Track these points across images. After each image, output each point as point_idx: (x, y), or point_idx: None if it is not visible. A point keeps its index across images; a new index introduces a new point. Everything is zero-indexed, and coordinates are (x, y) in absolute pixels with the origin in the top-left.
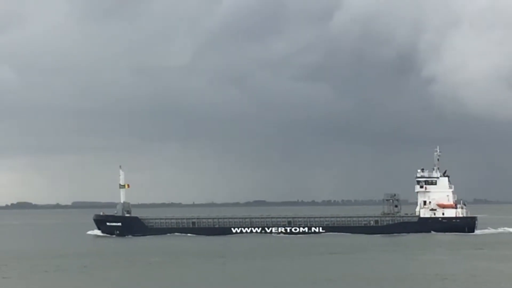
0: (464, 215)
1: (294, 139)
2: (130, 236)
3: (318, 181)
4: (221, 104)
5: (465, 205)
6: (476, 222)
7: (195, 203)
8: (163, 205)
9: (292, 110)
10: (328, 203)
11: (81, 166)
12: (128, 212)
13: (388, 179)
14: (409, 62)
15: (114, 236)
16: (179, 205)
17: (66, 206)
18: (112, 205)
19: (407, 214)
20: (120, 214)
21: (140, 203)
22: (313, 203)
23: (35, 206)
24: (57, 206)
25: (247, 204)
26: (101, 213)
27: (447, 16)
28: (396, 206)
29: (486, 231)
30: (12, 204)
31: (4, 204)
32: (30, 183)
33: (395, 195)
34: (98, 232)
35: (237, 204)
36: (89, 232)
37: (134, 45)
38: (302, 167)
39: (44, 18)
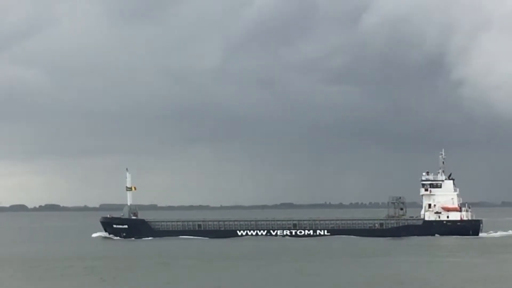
0: (469, 218)
1: (322, 142)
2: (133, 238)
3: (345, 184)
4: (250, 107)
5: (469, 208)
6: (481, 225)
7: (223, 205)
8: (191, 207)
9: (321, 113)
10: (355, 205)
11: (109, 169)
12: (135, 214)
13: (416, 182)
14: (438, 65)
15: (117, 238)
16: (207, 207)
17: (94, 209)
18: (140, 208)
19: (412, 217)
20: (126, 216)
21: (167, 205)
22: (341, 205)
23: (64, 209)
24: (85, 208)
25: (274, 206)
26: (108, 216)
27: (476, 19)
28: (401, 209)
29: (491, 234)
30: (40, 207)
31: (32, 207)
32: (58, 186)
33: (400, 198)
34: (103, 234)
35: (264, 207)
36: (94, 235)
37: (164, 48)
38: (330, 169)
39: (75, 20)
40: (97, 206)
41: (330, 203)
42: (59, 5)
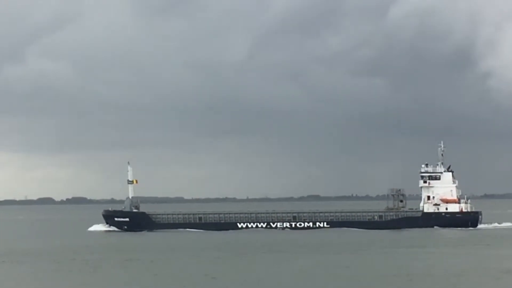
0: (468, 210)
1: (349, 134)
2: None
3: (372, 176)
4: (277, 100)
5: (469, 200)
6: (480, 217)
7: (249, 198)
8: (217, 200)
9: (347, 105)
10: (382, 197)
11: (136, 161)
12: (137, 207)
13: None
14: (465, 56)
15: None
16: (234, 200)
17: (120, 201)
18: (166, 200)
19: (411, 209)
20: (128, 209)
21: (194, 198)
22: (367, 197)
23: (90, 201)
24: (112, 201)
25: (301, 199)
26: (110, 209)
27: (504, 10)
28: (401, 201)
29: (490, 226)
30: (67, 199)
31: (59, 200)
32: (85, 179)
33: (400, 190)
34: (102, 227)
35: (290, 199)
36: (90, 229)
37: (191, 41)
38: (357, 162)
39: (102, 14)
40: (124, 198)
41: (356, 195)
42: None
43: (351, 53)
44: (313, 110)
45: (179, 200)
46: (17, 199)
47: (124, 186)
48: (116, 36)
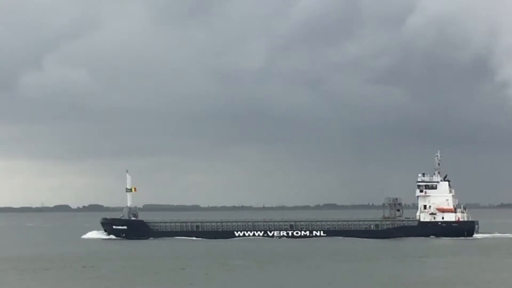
0: (465, 219)
1: (367, 142)
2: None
3: (390, 184)
4: (295, 107)
5: (465, 209)
6: (477, 226)
7: (265, 206)
8: (233, 208)
9: (365, 113)
10: (399, 206)
11: (153, 169)
12: (135, 215)
13: (462, 182)
14: (484, 66)
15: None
16: (250, 208)
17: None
18: (182, 208)
19: (408, 218)
20: (126, 217)
21: (210, 206)
22: (385, 206)
23: (107, 209)
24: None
25: (317, 207)
26: (108, 217)
27: None
28: (398, 210)
29: (486, 235)
30: (83, 207)
31: (76, 207)
32: (102, 186)
33: (397, 199)
34: (98, 234)
35: (307, 208)
36: (84, 236)
37: (210, 49)
38: (374, 170)
39: (120, 22)
40: (141, 206)
41: (373, 204)
42: (106, 6)
43: (369, 61)
44: (331, 118)
45: (195, 208)
46: (34, 206)
47: (139, 193)
48: (135, 44)
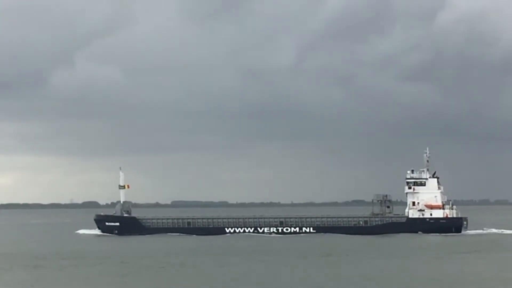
0: (453, 216)
1: (396, 139)
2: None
3: None
4: (324, 104)
5: (454, 206)
6: (465, 222)
7: (294, 202)
8: (262, 204)
9: (395, 110)
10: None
11: (182, 166)
12: (128, 212)
13: (494, 179)
14: None
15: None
16: (278, 204)
17: (165, 205)
18: (210, 204)
19: (397, 214)
20: (118, 214)
21: (238, 202)
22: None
23: (135, 205)
24: (157, 205)
25: (346, 203)
26: (102, 213)
27: None
28: (388, 206)
29: (473, 232)
30: (112, 203)
31: (104, 203)
32: (131, 183)
33: (386, 195)
34: (90, 231)
35: (335, 204)
36: (79, 231)
37: (239, 46)
38: (404, 167)
39: (152, 19)
40: (169, 203)
41: (401, 200)
42: (137, 3)
43: (399, 58)
44: (360, 114)
45: (223, 204)
46: (62, 202)
47: (167, 189)
48: (166, 41)
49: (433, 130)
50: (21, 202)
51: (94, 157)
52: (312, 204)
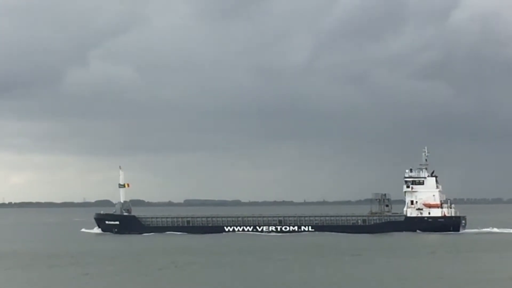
0: (452, 215)
1: (409, 138)
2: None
3: None
4: (338, 102)
5: (452, 204)
6: (463, 221)
7: (306, 201)
8: (274, 203)
9: (408, 109)
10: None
11: (195, 165)
12: (128, 211)
13: (507, 178)
14: None
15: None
16: (291, 203)
17: (178, 204)
18: (223, 203)
19: (396, 213)
20: (118, 213)
21: (251, 201)
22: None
23: (148, 204)
24: (170, 204)
25: (358, 202)
26: (102, 212)
27: None
28: (387, 205)
29: (471, 230)
30: (125, 202)
31: (117, 202)
32: (144, 181)
33: (385, 194)
34: (97, 230)
35: (348, 203)
36: (83, 230)
37: (253, 44)
38: (416, 166)
39: (165, 18)
40: (182, 201)
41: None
42: (151, 3)
43: (412, 57)
44: (374, 113)
45: (236, 203)
46: (76, 201)
47: (180, 188)
48: (179, 40)
49: (446, 129)
50: (33, 201)
51: (108, 156)
52: (325, 203)
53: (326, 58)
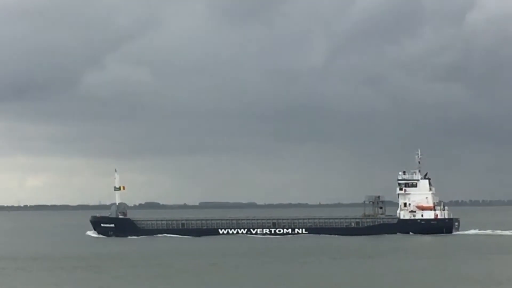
0: (445, 217)
1: (427, 140)
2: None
3: (450, 182)
4: (355, 105)
5: (445, 207)
6: (456, 224)
7: (321, 203)
8: (289, 205)
9: (426, 111)
10: (455, 203)
11: (210, 167)
12: (124, 213)
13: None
14: None
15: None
16: (306, 205)
17: (193, 207)
18: (238, 205)
19: (389, 215)
20: (114, 215)
21: (266, 203)
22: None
23: (163, 206)
24: (185, 206)
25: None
26: (97, 215)
27: None
28: (381, 207)
29: (464, 232)
30: (140, 204)
31: (132, 204)
32: (159, 184)
33: (379, 197)
34: (93, 233)
35: (362, 205)
36: (88, 233)
37: (270, 47)
38: (434, 168)
39: (182, 21)
40: (197, 204)
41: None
42: (168, 5)
43: (430, 58)
44: (391, 115)
45: (251, 205)
46: (91, 204)
47: (195, 191)
48: (196, 42)
49: (463, 131)
50: (49, 204)
51: (124, 159)
52: (339, 205)
53: (342, 60)
